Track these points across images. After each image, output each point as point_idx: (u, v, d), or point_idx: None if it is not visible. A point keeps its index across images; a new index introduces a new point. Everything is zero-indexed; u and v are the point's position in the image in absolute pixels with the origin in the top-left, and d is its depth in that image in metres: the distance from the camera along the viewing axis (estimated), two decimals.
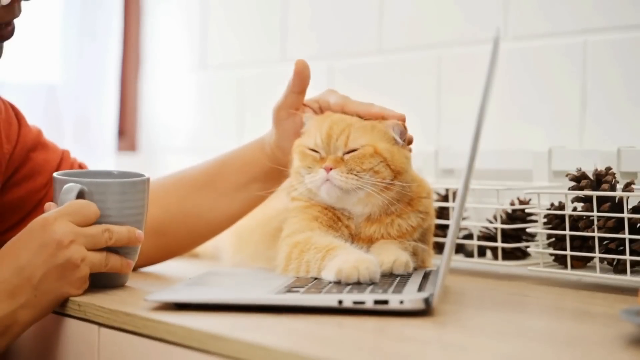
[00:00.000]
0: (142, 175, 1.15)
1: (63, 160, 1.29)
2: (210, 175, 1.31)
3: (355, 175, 1.12)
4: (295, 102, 1.22)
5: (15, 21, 1.14)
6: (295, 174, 1.18)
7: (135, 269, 1.27)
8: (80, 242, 1.03)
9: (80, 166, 1.32)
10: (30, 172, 1.25)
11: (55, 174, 1.11)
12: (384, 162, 1.13)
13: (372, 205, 1.14)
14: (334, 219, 1.16)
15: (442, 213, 1.39)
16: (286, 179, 1.28)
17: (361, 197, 1.13)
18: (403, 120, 1.17)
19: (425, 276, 1.11)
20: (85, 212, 1.05)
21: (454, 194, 1.37)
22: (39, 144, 1.27)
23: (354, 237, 1.16)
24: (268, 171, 1.28)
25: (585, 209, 1.17)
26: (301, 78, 1.20)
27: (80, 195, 1.08)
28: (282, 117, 1.23)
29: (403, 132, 1.16)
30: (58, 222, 1.02)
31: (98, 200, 1.08)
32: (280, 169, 1.24)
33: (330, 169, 1.12)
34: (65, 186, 1.07)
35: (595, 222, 1.15)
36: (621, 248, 1.14)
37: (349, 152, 1.13)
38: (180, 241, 1.33)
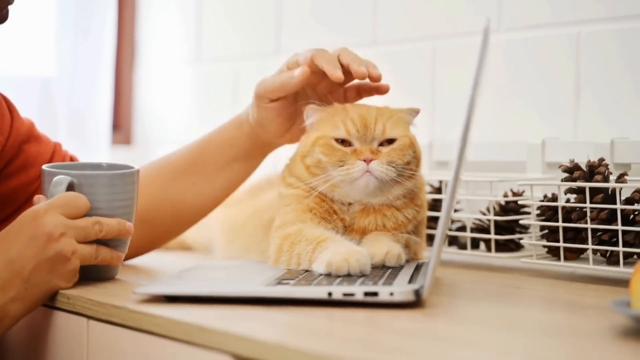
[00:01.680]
0: (131, 167, 1.14)
1: (55, 152, 1.29)
2: (190, 159, 1.30)
3: (394, 167, 1.11)
4: (281, 95, 1.20)
5: (10, 13, 1.14)
6: (313, 168, 1.14)
7: (125, 261, 1.27)
8: (71, 234, 1.03)
9: (72, 159, 1.32)
10: (23, 165, 1.24)
11: (44, 167, 1.11)
12: (415, 152, 1.14)
13: (389, 195, 1.14)
14: (330, 211, 1.15)
15: (436, 205, 1.38)
16: (267, 155, 1.27)
17: (387, 189, 1.13)
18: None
19: (417, 268, 1.10)
20: (76, 204, 1.05)
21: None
22: (31, 136, 1.27)
23: (347, 229, 1.16)
24: (248, 149, 1.28)
25: (578, 201, 1.16)
26: (300, 85, 1.18)
27: (70, 187, 1.07)
28: (265, 101, 1.22)
29: (416, 116, 1.18)
30: (48, 214, 1.02)
31: (87, 193, 1.07)
32: (261, 145, 1.24)
33: (371, 160, 1.11)
34: (55, 178, 1.07)
35: (588, 214, 1.14)
36: (614, 239, 1.14)
37: (382, 144, 1.13)
38: (166, 228, 1.32)
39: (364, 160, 1.10)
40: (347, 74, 1.16)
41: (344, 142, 1.13)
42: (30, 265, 1.01)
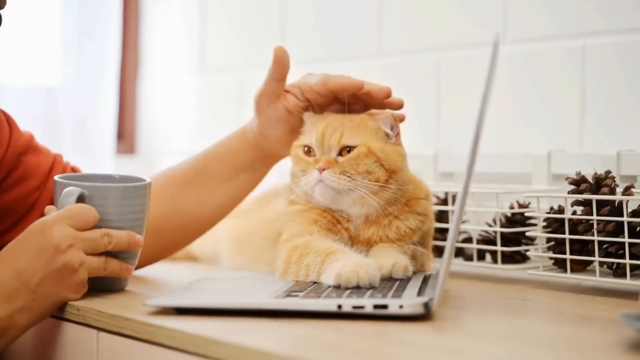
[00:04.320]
0: (143, 180, 1.14)
1: (55, 163, 1.29)
2: (196, 169, 1.31)
3: (348, 177, 1.12)
4: (276, 90, 1.23)
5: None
6: (292, 177, 1.18)
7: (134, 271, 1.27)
8: (79, 246, 1.03)
9: (73, 169, 1.32)
10: (22, 176, 1.25)
11: (56, 177, 1.11)
12: (378, 161, 1.13)
13: (368, 206, 1.14)
14: (333, 221, 1.16)
15: (442, 216, 1.38)
16: (273, 166, 1.28)
17: (355, 199, 1.13)
18: (389, 95, 1.18)
19: (425, 280, 1.10)
20: (84, 216, 1.05)
21: (454, 197, 1.37)
22: (30, 147, 1.27)
23: (353, 240, 1.16)
24: (253, 160, 1.29)
25: (584, 213, 1.17)
26: (280, 65, 1.21)
27: (81, 199, 1.07)
28: (264, 104, 1.23)
29: (394, 125, 1.16)
30: (56, 226, 1.02)
31: (98, 205, 1.07)
32: (266, 156, 1.25)
33: (323, 170, 1.12)
34: (65, 190, 1.07)
35: (595, 226, 1.15)
36: (621, 252, 1.14)
37: (342, 152, 1.13)
38: (174, 238, 1.33)
39: (318, 170, 1.12)
40: (354, 97, 1.20)
41: (310, 151, 1.16)
42: (38, 276, 1.01)
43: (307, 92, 1.22)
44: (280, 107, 1.23)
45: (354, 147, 1.13)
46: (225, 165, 1.30)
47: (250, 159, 1.29)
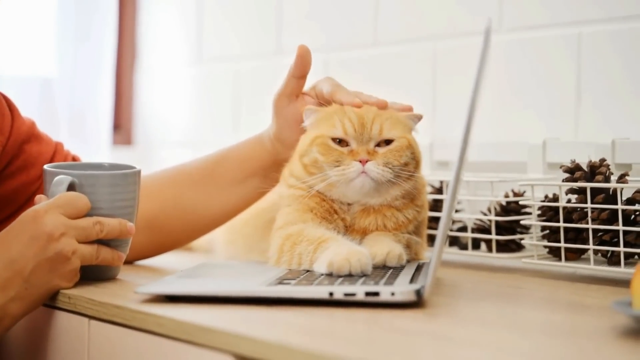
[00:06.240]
0: (133, 167, 1.14)
1: (57, 152, 1.29)
2: (207, 170, 1.30)
3: (391, 168, 1.11)
4: (296, 88, 1.22)
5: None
6: (310, 167, 1.14)
7: (129, 263, 1.27)
8: (71, 234, 1.03)
9: (74, 159, 1.32)
10: (24, 164, 1.24)
11: (45, 166, 1.11)
12: (413, 154, 1.14)
13: (387, 196, 1.14)
14: (330, 211, 1.15)
15: (437, 205, 1.38)
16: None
17: (383, 190, 1.13)
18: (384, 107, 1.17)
19: (418, 268, 1.10)
20: (76, 204, 1.05)
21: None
22: (32, 135, 1.27)
23: (348, 229, 1.16)
24: (267, 166, 1.28)
25: (579, 201, 1.16)
26: (303, 62, 1.20)
27: (71, 187, 1.07)
28: (284, 104, 1.22)
29: (418, 122, 1.17)
30: (49, 214, 1.02)
31: (89, 193, 1.07)
32: (280, 163, 1.23)
33: (367, 161, 1.11)
34: (56, 178, 1.07)
35: (589, 214, 1.14)
36: (615, 240, 1.13)
37: (379, 144, 1.12)
38: (175, 236, 1.32)
39: (360, 161, 1.10)
40: None
41: (341, 142, 1.13)
42: (31, 265, 1.01)
43: (319, 97, 1.21)
44: (299, 108, 1.21)
45: (393, 139, 1.13)
46: (238, 169, 1.29)
47: (263, 165, 1.28)
